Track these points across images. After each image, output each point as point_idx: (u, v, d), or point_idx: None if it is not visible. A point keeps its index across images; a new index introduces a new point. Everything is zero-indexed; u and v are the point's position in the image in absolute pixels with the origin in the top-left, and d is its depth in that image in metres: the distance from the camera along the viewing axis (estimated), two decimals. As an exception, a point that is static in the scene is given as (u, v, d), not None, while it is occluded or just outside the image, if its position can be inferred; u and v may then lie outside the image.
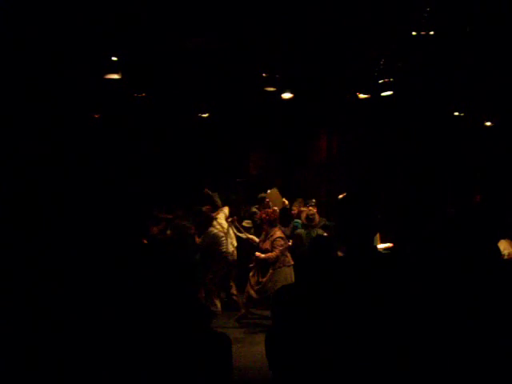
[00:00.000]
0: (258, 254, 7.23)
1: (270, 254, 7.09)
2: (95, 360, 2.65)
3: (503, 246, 5.75)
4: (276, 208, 7.91)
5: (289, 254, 7.25)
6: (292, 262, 7.19)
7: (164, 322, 2.80)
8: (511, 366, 2.17)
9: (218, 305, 7.90)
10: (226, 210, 8.25)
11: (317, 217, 7.83)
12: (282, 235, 7.25)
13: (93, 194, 7.05)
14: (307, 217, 7.69)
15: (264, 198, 8.44)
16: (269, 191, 8.49)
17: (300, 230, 7.72)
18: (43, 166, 6.68)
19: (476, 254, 2.53)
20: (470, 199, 10.49)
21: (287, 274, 7.07)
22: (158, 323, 2.78)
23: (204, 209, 8.04)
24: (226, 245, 7.86)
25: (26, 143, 6.79)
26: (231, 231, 8.15)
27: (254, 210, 8.64)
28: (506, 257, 5.72)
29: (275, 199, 8.23)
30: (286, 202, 8.39)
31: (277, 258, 7.07)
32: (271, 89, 8.68)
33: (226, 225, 8.02)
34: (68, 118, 8.05)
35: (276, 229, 7.28)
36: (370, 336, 1.96)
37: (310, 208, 8.08)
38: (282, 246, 7.09)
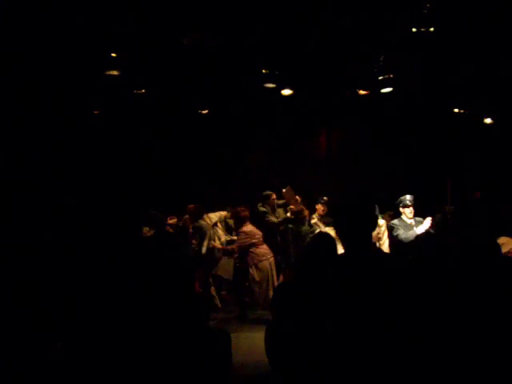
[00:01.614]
0: (213, 244, 7.64)
1: (226, 246, 7.58)
2: (94, 355, 2.65)
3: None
4: (293, 206, 7.95)
5: (259, 250, 7.34)
6: (265, 257, 7.31)
7: (163, 318, 2.81)
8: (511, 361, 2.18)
9: (217, 300, 7.93)
10: (223, 212, 8.33)
11: (306, 213, 7.93)
12: (247, 230, 7.36)
13: (91, 192, 7.05)
14: (294, 213, 7.76)
15: (269, 196, 8.37)
16: (284, 190, 8.46)
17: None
18: (42, 163, 6.67)
19: (476, 249, 2.53)
20: (469, 196, 10.50)
21: (263, 269, 7.24)
22: (157, 320, 2.79)
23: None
24: (211, 238, 7.92)
25: (24, 140, 6.78)
26: (219, 228, 8.21)
27: (262, 209, 8.44)
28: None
29: (290, 197, 8.25)
30: (299, 199, 8.37)
31: (233, 251, 7.53)
32: (271, 85, 8.67)
33: (214, 220, 8.09)
34: (67, 115, 8.04)
35: (244, 224, 7.42)
36: (369, 333, 1.97)
37: (319, 206, 8.13)
38: (242, 239, 7.33)
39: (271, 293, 7.18)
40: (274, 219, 8.09)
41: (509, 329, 2.22)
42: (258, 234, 7.44)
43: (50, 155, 6.84)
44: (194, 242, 7.88)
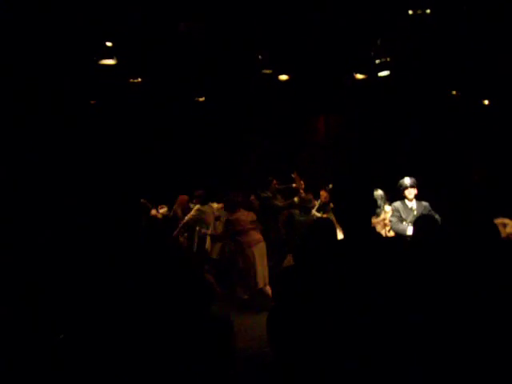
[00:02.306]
0: (202, 230, 7.86)
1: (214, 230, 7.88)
2: (96, 346, 2.67)
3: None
4: (302, 192, 8.13)
5: (243, 238, 7.38)
6: (248, 245, 7.36)
7: (166, 306, 2.82)
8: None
9: (216, 285, 7.97)
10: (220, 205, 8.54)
11: (314, 202, 7.98)
12: (232, 219, 7.44)
13: (89, 182, 7.02)
14: (301, 199, 7.80)
15: (270, 181, 8.45)
16: (293, 175, 8.58)
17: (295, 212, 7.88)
18: (39, 155, 6.64)
19: (475, 233, 2.53)
20: (468, 178, 10.51)
21: (246, 256, 7.32)
22: (160, 308, 2.80)
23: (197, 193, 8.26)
24: (209, 226, 8.06)
25: (21, 131, 6.74)
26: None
27: (264, 194, 8.51)
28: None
29: (297, 182, 8.44)
30: (303, 184, 8.43)
31: (219, 237, 7.80)
32: (268, 71, 8.63)
33: (215, 209, 8.34)
34: (63, 105, 7.99)
35: (235, 211, 7.48)
36: (369, 319, 1.98)
37: (323, 192, 8.19)
38: (226, 227, 7.50)
39: (258, 280, 7.28)
40: (278, 203, 8.19)
41: (510, 316, 2.22)
42: (245, 221, 7.46)
43: (49, 152, 6.79)
44: (181, 238, 7.96)
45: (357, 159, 10.91)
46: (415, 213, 6.29)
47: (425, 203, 6.42)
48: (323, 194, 8.25)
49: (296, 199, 8.06)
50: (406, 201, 6.43)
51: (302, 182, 8.45)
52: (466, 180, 10.49)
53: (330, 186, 8.27)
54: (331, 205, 7.70)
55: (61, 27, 6.48)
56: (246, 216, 7.54)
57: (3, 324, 2.82)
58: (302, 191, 8.13)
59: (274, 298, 3.11)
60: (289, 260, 7.62)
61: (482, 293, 2.24)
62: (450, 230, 3.12)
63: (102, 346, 2.62)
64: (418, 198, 6.49)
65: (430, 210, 6.34)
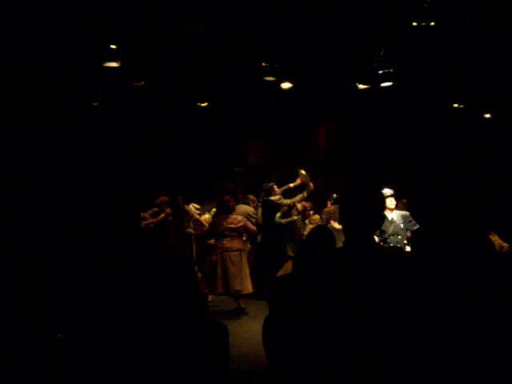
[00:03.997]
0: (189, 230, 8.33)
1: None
2: (95, 345, 2.66)
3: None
4: (311, 185, 8.35)
5: (217, 243, 7.54)
6: (215, 251, 7.50)
7: (160, 312, 2.81)
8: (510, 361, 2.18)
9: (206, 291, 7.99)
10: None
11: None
12: (216, 220, 7.80)
13: (89, 182, 7.02)
14: (303, 209, 7.99)
15: (273, 187, 8.67)
16: (303, 172, 8.72)
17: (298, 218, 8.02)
18: (39, 155, 6.63)
19: (469, 246, 2.53)
20: (467, 191, 10.51)
21: (211, 261, 7.45)
22: (153, 314, 2.79)
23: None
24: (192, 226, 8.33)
25: (21, 131, 6.74)
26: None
27: (276, 198, 8.74)
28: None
29: (306, 181, 8.53)
30: (312, 186, 8.51)
31: (203, 236, 8.18)
32: (271, 78, 8.66)
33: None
34: (64, 105, 7.99)
35: (225, 214, 7.65)
36: (369, 322, 1.98)
37: (328, 202, 8.35)
38: (204, 228, 8.07)
39: (217, 285, 7.31)
40: (286, 201, 8.47)
41: (509, 329, 2.22)
42: (224, 226, 7.49)
43: (49, 152, 6.78)
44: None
45: (357, 169, 10.92)
46: (395, 224, 6.17)
47: (405, 213, 6.31)
48: (328, 204, 8.37)
49: (305, 193, 8.27)
50: (387, 212, 6.22)
51: (311, 184, 8.58)
52: (464, 192, 10.49)
53: (334, 195, 8.35)
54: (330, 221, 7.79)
55: (65, 29, 6.49)
56: (228, 222, 7.46)
57: (3, 324, 2.82)
58: (311, 184, 8.25)
59: (270, 305, 3.09)
60: (285, 268, 7.63)
61: (481, 297, 2.24)
62: (449, 238, 3.12)
63: (102, 345, 2.61)
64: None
65: (410, 221, 6.23)
